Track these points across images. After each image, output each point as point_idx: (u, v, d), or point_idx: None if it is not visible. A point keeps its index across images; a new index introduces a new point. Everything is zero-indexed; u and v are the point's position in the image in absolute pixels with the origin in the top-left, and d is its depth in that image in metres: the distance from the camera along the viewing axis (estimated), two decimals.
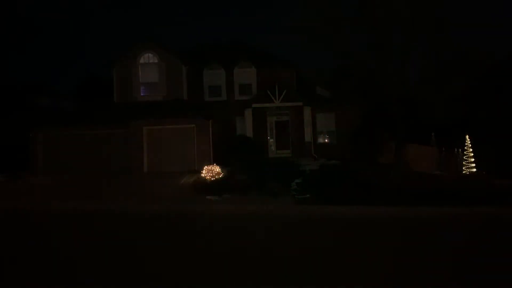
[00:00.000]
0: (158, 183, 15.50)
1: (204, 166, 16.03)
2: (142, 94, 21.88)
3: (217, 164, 18.26)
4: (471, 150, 15.62)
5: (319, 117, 22.92)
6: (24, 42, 69.97)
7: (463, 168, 15.78)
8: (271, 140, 21.89)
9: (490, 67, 16.21)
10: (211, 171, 15.01)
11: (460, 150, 15.89)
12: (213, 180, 14.84)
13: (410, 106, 17.86)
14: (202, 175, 15.07)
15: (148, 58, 21.97)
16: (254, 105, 21.55)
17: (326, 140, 23.22)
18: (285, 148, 21.74)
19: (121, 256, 7.15)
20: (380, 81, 17.19)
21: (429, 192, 12.89)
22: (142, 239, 8.52)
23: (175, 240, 8.42)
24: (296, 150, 21.40)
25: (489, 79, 15.94)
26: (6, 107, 24.35)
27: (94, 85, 33.71)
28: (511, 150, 15.29)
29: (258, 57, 24.13)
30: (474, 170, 15.53)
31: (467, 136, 15.75)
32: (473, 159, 15.56)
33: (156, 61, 21.88)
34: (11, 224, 10.60)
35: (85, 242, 8.22)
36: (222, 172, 15.64)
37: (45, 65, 74.03)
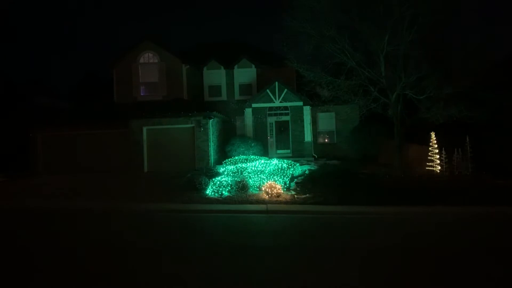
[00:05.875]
0: (158, 183, 15.49)
1: (204, 166, 15.99)
2: (142, 94, 21.90)
3: (217, 164, 18.27)
4: (471, 150, 15.58)
5: (319, 117, 22.95)
6: (24, 41, 69.94)
7: (463, 168, 15.74)
8: (271, 140, 21.89)
9: (491, 66, 16.17)
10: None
11: (460, 150, 15.85)
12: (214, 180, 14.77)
13: (410, 106, 17.84)
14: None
15: (148, 58, 21.98)
16: (254, 105, 21.56)
17: (326, 140, 23.24)
18: (285, 148, 21.77)
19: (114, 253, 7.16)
20: (380, 80, 17.17)
21: (430, 192, 12.87)
22: (142, 236, 8.54)
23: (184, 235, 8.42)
24: (296, 150, 21.42)
25: (490, 78, 15.90)
26: (5, 107, 24.32)
27: (94, 85, 33.73)
28: (511, 150, 15.25)
29: (258, 57, 24.14)
30: (475, 170, 15.49)
31: (467, 136, 15.71)
32: (473, 159, 15.52)
33: (156, 61, 21.89)
34: (11, 223, 10.60)
35: (88, 239, 8.23)
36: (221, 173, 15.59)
37: (45, 65, 74.01)
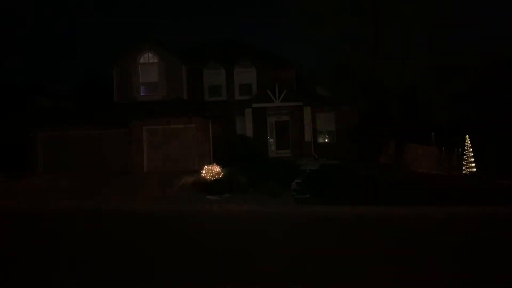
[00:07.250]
0: (158, 183, 15.49)
1: (204, 166, 16.02)
2: (142, 94, 21.85)
3: (217, 164, 18.24)
4: (471, 150, 15.59)
5: (319, 117, 22.88)
6: (24, 41, 69.95)
7: (463, 168, 15.76)
8: (271, 140, 21.88)
9: (491, 67, 16.19)
10: (211, 171, 14.89)
11: (460, 150, 15.87)
12: (213, 180, 14.76)
13: (410, 106, 17.85)
14: (202, 175, 14.96)
15: (148, 57, 21.95)
16: (254, 105, 21.54)
17: (326, 140, 23.20)
18: (285, 148, 21.73)
19: (121, 255, 7.16)
20: (380, 80, 17.18)
21: (429, 191, 12.88)
22: (142, 239, 8.53)
23: (180, 239, 8.42)
24: (296, 150, 21.38)
25: (490, 78, 15.92)
26: (6, 107, 24.30)
27: (94, 85, 33.70)
28: (511, 150, 15.26)
29: (258, 57, 24.09)
30: (474, 170, 15.51)
31: (467, 136, 15.72)
32: (473, 159, 15.54)
33: (156, 61, 21.85)
34: (11, 223, 10.60)
35: (86, 241, 8.23)
36: (222, 172, 15.60)
37: (45, 65, 74.02)
